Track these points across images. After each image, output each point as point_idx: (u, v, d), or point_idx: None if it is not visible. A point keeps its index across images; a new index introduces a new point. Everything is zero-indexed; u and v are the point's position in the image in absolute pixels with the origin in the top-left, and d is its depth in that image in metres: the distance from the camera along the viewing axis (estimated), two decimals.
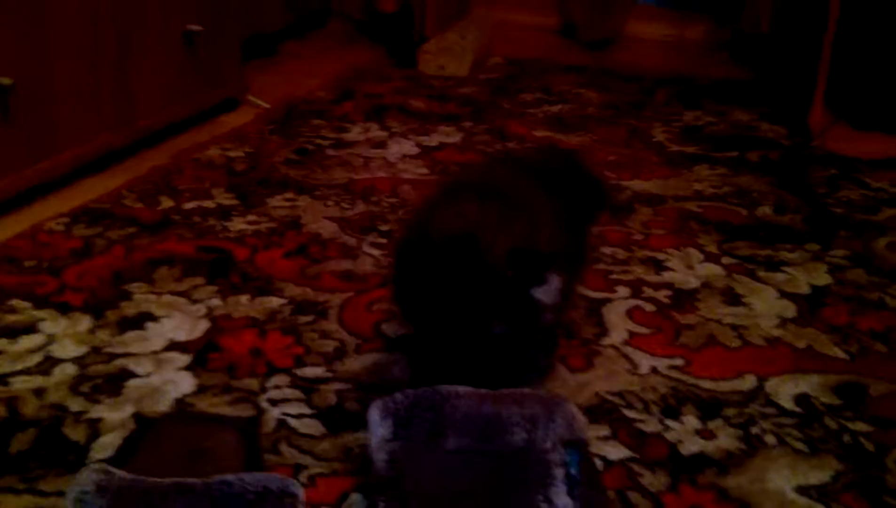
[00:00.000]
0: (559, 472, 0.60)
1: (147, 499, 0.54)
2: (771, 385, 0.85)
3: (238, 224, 1.18)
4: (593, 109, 1.87)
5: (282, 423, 0.75)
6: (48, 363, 0.83)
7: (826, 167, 1.52)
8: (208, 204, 1.25)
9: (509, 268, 0.67)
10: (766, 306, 1.01)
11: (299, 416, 0.76)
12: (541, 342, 0.79)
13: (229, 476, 0.54)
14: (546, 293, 0.68)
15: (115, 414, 0.75)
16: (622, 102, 1.92)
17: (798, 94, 1.74)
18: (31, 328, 0.89)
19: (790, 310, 1.01)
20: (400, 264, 0.72)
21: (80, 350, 0.85)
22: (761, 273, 1.10)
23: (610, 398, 0.81)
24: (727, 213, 1.31)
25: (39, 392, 0.78)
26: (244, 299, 0.98)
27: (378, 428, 0.63)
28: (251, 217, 1.21)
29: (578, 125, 1.74)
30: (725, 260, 1.14)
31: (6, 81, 1.13)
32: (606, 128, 1.74)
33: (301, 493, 0.56)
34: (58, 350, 0.85)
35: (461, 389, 0.65)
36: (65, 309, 0.93)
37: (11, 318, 0.91)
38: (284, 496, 0.55)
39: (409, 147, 1.57)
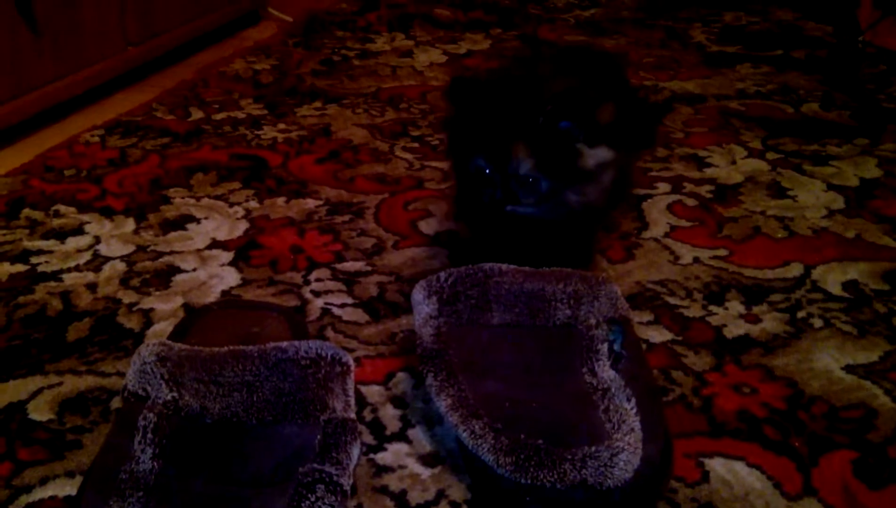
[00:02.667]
0: (603, 347, 0.60)
1: (205, 366, 0.55)
2: (818, 273, 0.83)
3: (269, 133, 1.18)
4: (627, 13, 1.81)
5: (326, 311, 0.76)
6: (98, 261, 0.84)
7: (875, 64, 1.46)
8: (238, 114, 1.24)
9: (552, 103, 0.65)
10: (812, 199, 0.99)
11: (342, 305, 0.77)
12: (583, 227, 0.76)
13: (283, 344, 0.55)
14: (592, 157, 0.66)
15: (165, 305, 0.77)
16: (657, 4, 1.85)
17: None
18: (77, 230, 0.90)
19: (838, 202, 0.98)
20: (452, 96, 0.71)
21: (127, 249, 0.87)
22: (808, 167, 1.07)
23: (651, 286, 0.81)
24: (771, 110, 1.27)
25: (92, 287, 0.80)
26: (280, 201, 0.98)
27: (423, 307, 0.63)
28: (281, 126, 1.20)
29: (612, 29, 1.69)
30: (770, 155, 1.11)
31: None
32: (642, 31, 1.68)
33: (352, 363, 0.57)
34: (105, 249, 0.87)
35: (504, 266, 0.64)
36: (108, 213, 0.94)
37: (58, 222, 0.92)
38: (336, 363, 0.55)
39: (436, 55, 1.54)
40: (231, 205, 0.97)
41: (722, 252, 0.87)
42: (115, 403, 0.64)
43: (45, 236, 0.89)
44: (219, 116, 1.23)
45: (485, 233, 0.75)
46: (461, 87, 0.69)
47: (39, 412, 0.63)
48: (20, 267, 0.83)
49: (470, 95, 0.68)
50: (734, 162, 1.09)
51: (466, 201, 0.73)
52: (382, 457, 0.59)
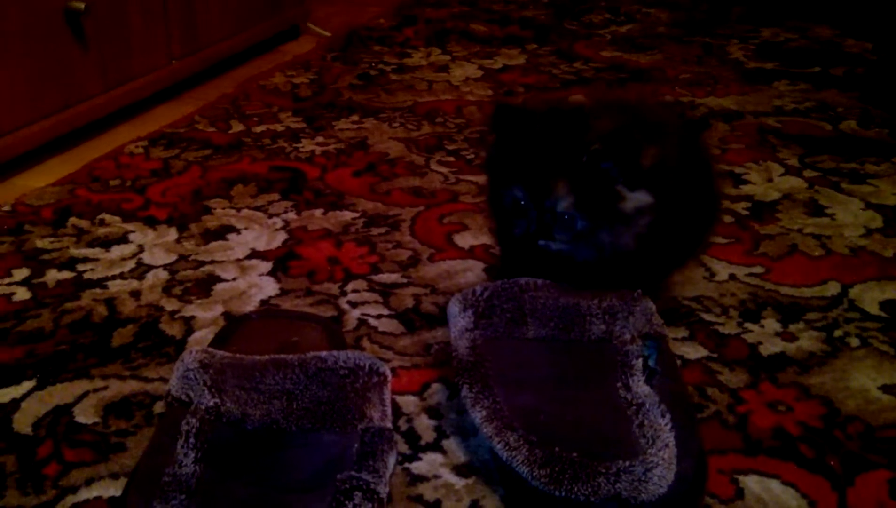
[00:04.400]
0: (638, 362, 0.60)
1: (246, 374, 0.56)
2: (855, 292, 0.83)
3: (307, 145, 1.20)
4: (664, 28, 1.81)
5: (362, 322, 0.77)
6: (141, 269, 0.87)
7: None
8: (277, 127, 1.27)
9: (598, 142, 0.63)
10: (850, 217, 0.98)
11: (378, 316, 0.78)
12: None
13: (323, 353, 0.57)
14: (632, 200, 0.64)
15: (206, 313, 0.79)
16: (694, 20, 1.85)
17: (884, 5, 1.64)
18: (122, 239, 0.93)
19: (876, 220, 0.97)
20: (496, 123, 0.68)
21: (170, 258, 0.89)
22: (845, 185, 1.06)
23: (687, 302, 0.81)
24: (809, 127, 1.26)
25: (135, 294, 0.82)
26: (318, 213, 1.00)
27: (458, 320, 0.64)
28: (319, 139, 1.22)
29: (649, 45, 1.69)
30: (807, 173, 1.10)
31: (79, 4, 1.15)
32: (678, 46, 1.68)
33: (389, 374, 0.58)
34: (148, 258, 0.89)
35: (539, 281, 0.65)
36: (151, 222, 0.97)
37: (103, 230, 0.95)
38: (374, 373, 0.57)
39: (472, 70, 1.55)
40: (270, 216, 0.99)
41: (758, 269, 0.87)
42: (158, 408, 0.65)
43: (91, 245, 0.92)
44: (259, 129, 1.26)
45: (516, 263, 0.73)
46: (506, 114, 0.67)
47: (85, 415, 0.65)
48: (67, 274, 0.85)
49: (514, 124, 0.66)
50: (771, 179, 1.08)
51: (505, 234, 0.72)
52: (417, 467, 0.60)
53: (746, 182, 1.08)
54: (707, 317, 0.78)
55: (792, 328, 0.77)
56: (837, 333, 0.76)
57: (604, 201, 0.64)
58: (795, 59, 1.58)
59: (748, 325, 0.77)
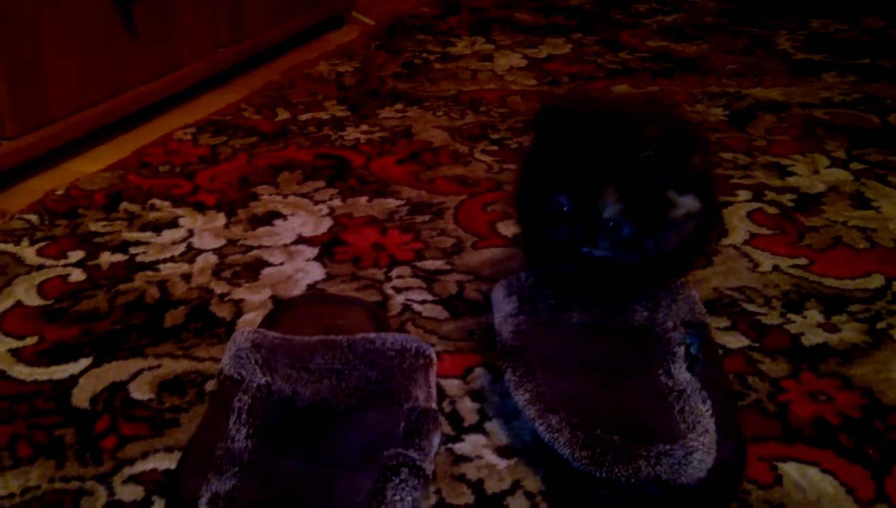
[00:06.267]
0: (680, 350, 0.61)
1: (297, 353, 0.58)
2: None
3: (352, 134, 1.21)
4: (711, 18, 1.79)
5: (406, 307, 0.79)
6: (191, 253, 0.89)
7: None
8: (322, 115, 1.29)
9: (650, 148, 0.60)
10: None
11: (422, 302, 0.80)
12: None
13: (371, 335, 0.58)
14: (682, 206, 0.63)
15: (254, 296, 0.81)
16: (742, 10, 1.82)
17: None
18: (172, 224, 0.96)
19: None
20: (540, 125, 0.65)
21: (219, 242, 0.92)
22: (892, 178, 1.05)
23: (729, 292, 0.81)
24: (857, 119, 1.24)
25: (186, 277, 0.85)
26: (363, 200, 1.01)
27: (503, 305, 0.65)
28: (364, 127, 1.24)
29: (695, 35, 1.67)
30: (854, 165, 1.08)
31: None
32: (725, 36, 1.66)
33: (434, 356, 0.60)
34: (198, 242, 0.92)
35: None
36: (200, 208, 0.99)
37: (154, 215, 0.98)
38: (420, 355, 0.58)
39: (516, 59, 1.56)
40: (316, 203, 1.01)
41: (802, 261, 0.86)
42: (210, 386, 0.68)
43: (143, 229, 0.94)
44: (304, 117, 1.28)
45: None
46: (551, 117, 0.64)
47: (140, 392, 0.68)
48: (120, 257, 0.88)
49: (561, 128, 0.63)
50: (817, 171, 1.07)
51: (536, 241, 0.70)
52: (460, 447, 0.61)
53: (792, 174, 1.07)
54: (749, 307, 0.78)
55: (835, 319, 0.76)
56: (880, 325, 0.75)
57: (653, 209, 0.62)
58: (844, 50, 1.55)
59: (791, 316, 0.77)
